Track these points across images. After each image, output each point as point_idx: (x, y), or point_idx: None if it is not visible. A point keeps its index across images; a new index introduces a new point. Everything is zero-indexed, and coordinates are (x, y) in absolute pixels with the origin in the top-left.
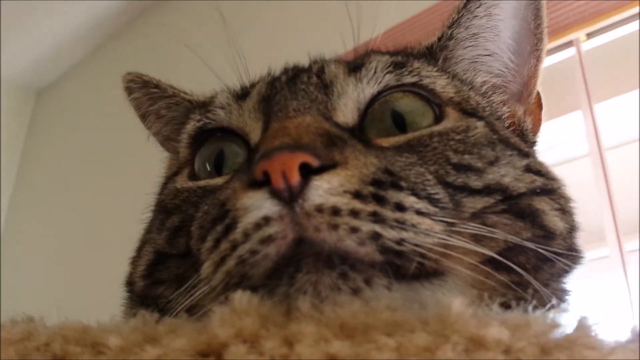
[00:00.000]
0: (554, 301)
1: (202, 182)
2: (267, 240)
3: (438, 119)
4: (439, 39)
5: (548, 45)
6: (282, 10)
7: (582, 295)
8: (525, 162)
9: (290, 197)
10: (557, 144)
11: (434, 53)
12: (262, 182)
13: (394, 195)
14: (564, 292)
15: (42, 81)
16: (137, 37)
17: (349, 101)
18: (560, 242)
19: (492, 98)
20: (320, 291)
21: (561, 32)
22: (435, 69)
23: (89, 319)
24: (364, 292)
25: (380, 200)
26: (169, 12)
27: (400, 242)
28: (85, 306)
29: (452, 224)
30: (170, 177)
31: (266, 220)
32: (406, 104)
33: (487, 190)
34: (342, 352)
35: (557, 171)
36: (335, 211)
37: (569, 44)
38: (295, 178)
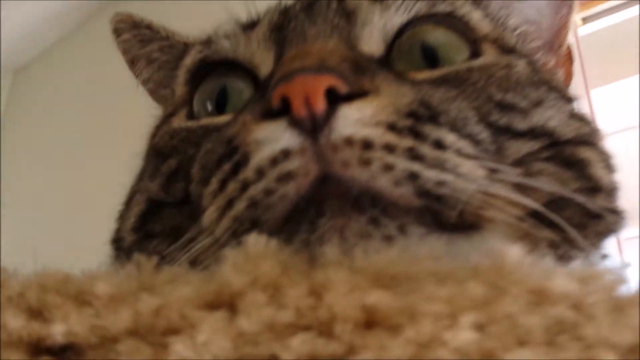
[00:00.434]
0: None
1: (203, 121)
2: (286, 177)
3: (474, 55)
4: None
5: None
6: None
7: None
8: (569, 107)
9: (313, 127)
10: None
11: None
12: (279, 111)
13: (433, 131)
14: (604, 256)
15: (19, 61)
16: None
17: (375, 31)
18: (604, 199)
19: (526, 43)
20: (347, 238)
21: None
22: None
23: None
24: (397, 240)
25: (417, 135)
26: None
27: (439, 184)
28: None
29: (494, 170)
30: (164, 119)
31: (285, 154)
32: (439, 36)
33: (532, 134)
34: (383, 302)
35: None
36: (367, 145)
37: None
38: (321, 104)
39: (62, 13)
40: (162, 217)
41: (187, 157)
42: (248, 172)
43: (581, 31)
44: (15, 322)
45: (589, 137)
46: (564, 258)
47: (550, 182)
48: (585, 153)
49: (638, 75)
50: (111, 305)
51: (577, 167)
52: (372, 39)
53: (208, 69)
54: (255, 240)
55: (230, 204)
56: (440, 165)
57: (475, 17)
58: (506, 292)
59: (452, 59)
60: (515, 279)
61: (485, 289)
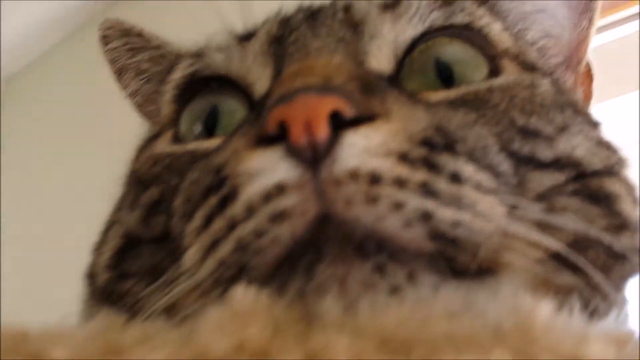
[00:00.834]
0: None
1: (190, 146)
2: (280, 216)
3: (493, 73)
4: None
5: None
6: None
7: None
8: (596, 133)
9: (314, 158)
10: None
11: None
12: (275, 137)
13: (449, 162)
14: (625, 299)
15: (10, 69)
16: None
17: (384, 44)
18: (630, 237)
19: (545, 60)
20: (350, 289)
21: None
22: (486, 12)
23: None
24: (406, 291)
25: (432, 167)
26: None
27: (455, 225)
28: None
29: (515, 206)
30: (148, 142)
31: (280, 189)
32: (455, 52)
33: (557, 165)
34: None
35: None
36: (375, 179)
37: None
38: (324, 130)
39: (53, 21)
40: (140, 254)
41: (170, 187)
42: (236, 209)
43: None
44: None
45: (616, 167)
46: (587, 306)
47: (575, 219)
48: (613, 186)
49: (638, 92)
50: None
51: (604, 203)
52: (382, 54)
53: (198, 85)
54: (242, 295)
55: (215, 244)
56: (456, 203)
57: (495, 29)
58: None
59: (470, 77)
60: (546, 345)
61: (513, 357)
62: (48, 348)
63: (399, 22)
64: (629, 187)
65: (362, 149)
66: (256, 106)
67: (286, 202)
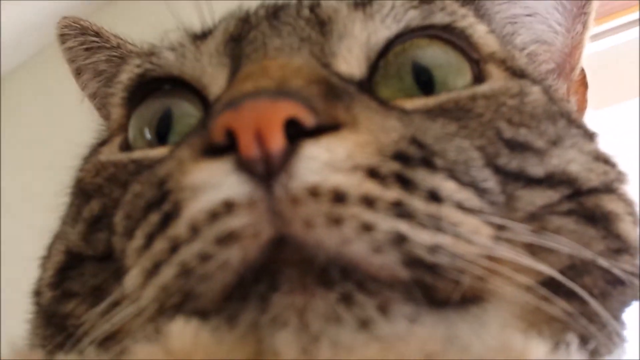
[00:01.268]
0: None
1: (136, 154)
2: (229, 238)
3: (477, 79)
4: None
5: None
6: None
7: None
8: (592, 146)
9: (267, 172)
10: None
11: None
12: (224, 148)
13: (426, 178)
14: (623, 326)
15: (8, 66)
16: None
17: (355, 45)
18: (630, 261)
19: (536, 66)
20: (310, 322)
21: None
22: (470, 12)
23: None
24: (377, 325)
25: (406, 183)
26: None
27: (433, 250)
28: None
29: (502, 227)
30: (93, 149)
31: (228, 206)
32: (434, 55)
33: (549, 181)
34: None
35: None
36: (339, 197)
37: None
38: (278, 141)
39: (52, 17)
40: (83, 273)
41: (112, 200)
42: (179, 228)
43: None
44: None
45: (615, 183)
46: (584, 339)
47: (570, 241)
48: (611, 204)
49: (638, 98)
50: None
51: (602, 223)
52: (352, 56)
53: (149, 87)
54: (180, 329)
55: (157, 267)
56: (434, 224)
57: (480, 31)
58: None
59: (451, 84)
60: None
61: None
62: None
63: (372, 21)
64: (629, 205)
65: (323, 162)
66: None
67: (235, 222)
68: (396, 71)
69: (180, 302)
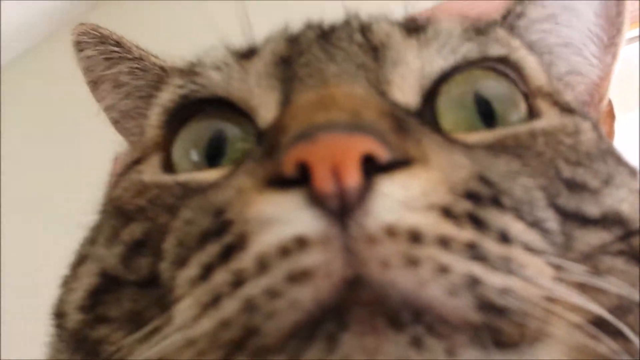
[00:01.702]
0: None
1: (183, 177)
2: (301, 276)
3: (531, 114)
4: (504, 17)
5: None
6: None
7: None
8: (636, 184)
9: (342, 208)
10: None
11: None
12: (294, 181)
13: (497, 218)
14: None
15: (8, 56)
16: (105, 16)
17: (409, 73)
18: None
19: (575, 98)
20: None
21: None
22: (519, 43)
23: None
24: None
25: (478, 223)
26: None
27: (504, 293)
28: None
29: (560, 267)
30: (129, 166)
31: (300, 243)
32: (495, 87)
33: (604, 221)
34: None
35: None
36: (416, 237)
37: None
38: (355, 177)
39: (53, 8)
40: (121, 298)
41: (158, 225)
42: (245, 262)
43: None
44: None
45: None
46: None
47: (621, 282)
48: None
49: (638, 111)
50: None
51: None
52: (406, 85)
53: (192, 107)
54: None
55: (216, 300)
56: (506, 267)
57: (531, 62)
58: None
59: (508, 117)
60: None
61: None
62: None
63: (427, 50)
64: None
65: (399, 200)
66: (264, 137)
67: (308, 259)
68: (458, 102)
69: (240, 338)
